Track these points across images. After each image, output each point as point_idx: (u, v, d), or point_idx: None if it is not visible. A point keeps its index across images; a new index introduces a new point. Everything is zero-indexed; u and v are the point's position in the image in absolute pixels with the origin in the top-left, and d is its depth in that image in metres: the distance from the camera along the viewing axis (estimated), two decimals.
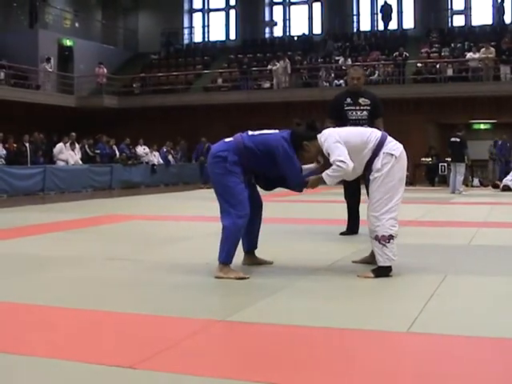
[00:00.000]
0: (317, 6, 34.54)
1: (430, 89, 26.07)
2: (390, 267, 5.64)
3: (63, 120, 26.89)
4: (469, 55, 27.02)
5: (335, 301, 4.85)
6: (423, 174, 25.01)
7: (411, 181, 24.18)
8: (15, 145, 21.57)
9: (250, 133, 5.85)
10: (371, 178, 5.61)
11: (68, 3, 33.50)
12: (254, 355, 3.51)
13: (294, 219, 10.96)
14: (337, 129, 5.87)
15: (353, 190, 8.59)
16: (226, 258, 5.69)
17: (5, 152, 20.83)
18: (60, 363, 3.35)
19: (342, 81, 27.91)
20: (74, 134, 22.75)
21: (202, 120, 27.63)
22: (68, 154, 22.11)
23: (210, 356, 3.50)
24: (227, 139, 5.88)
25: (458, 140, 19.19)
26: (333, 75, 28.56)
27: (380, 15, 32.88)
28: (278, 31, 35.33)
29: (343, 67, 28.97)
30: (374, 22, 33.72)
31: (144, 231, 9.46)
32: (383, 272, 5.62)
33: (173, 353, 3.54)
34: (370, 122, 8.28)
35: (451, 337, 3.83)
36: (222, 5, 36.46)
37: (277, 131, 5.87)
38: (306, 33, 34.21)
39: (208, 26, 36.79)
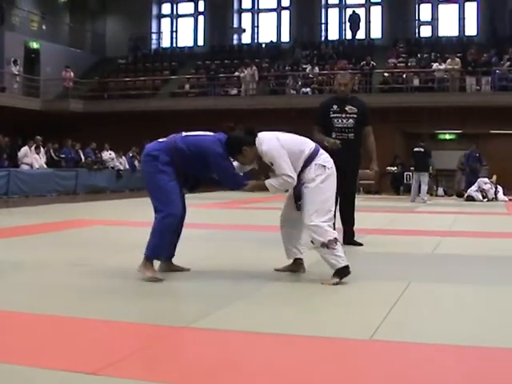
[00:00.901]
0: (285, 14, 34.64)
1: (397, 98, 26.25)
2: (347, 266, 5.65)
3: (28, 123, 26.64)
4: (435, 66, 27.25)
5: (298, 308, 4.85)
6: (389, 183, 25.18)
7: (377, 189, 24.32)
8: None
9: (184, 134, 5.90)
10: (305, 189, 5.67)
11: (35, 5, 33.23)
12: (216, 361, 3.49)
13: (263, 226, 10.91)
14: (276, 133, 5.86)
15: (346, 204, 8.27)
16: (151, 254, 5.76)
17: None
18: (21, 369, 3.30)
19: (308, 89, 28.03)
20: (39, 137, 22.56)
21: (169, 126, 27.25)
22: (33, 158, 21.92)
23: (174, 363, 3.48)
24: (161, 139, 5.94)
25: (422, 150, 19.50)
26: (300, 83, 28.64)
27: (348, 24, 33.05)
28: (246, 38, 35.36)
29: (310, 75, 29.08)
30: (341, 30, 33.88)
31: (108, 237, 9.39)
32: (344, 272, 5.64)
33: (136, 359, 3.52)
34: (356, 131, 8.15)
35: (414, 344, 3.84)
36: (191, 11, 36.41)
37: (211, 133, 5.90)
38: (274, 40, 34.31)
39: (176, 31, 36.72)
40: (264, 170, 5.88)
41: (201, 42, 35.77)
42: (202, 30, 35.85)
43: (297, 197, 5.82)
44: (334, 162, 8.14)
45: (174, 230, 5.84)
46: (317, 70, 29.18)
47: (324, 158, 5.78)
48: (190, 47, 35.87)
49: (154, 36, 36.69)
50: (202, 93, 30.20)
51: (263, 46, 34.42)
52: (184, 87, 30.95)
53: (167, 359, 3.52)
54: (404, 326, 4.32)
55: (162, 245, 5.80)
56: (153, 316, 4.46)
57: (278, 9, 34.89)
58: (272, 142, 5.66)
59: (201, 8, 35.99)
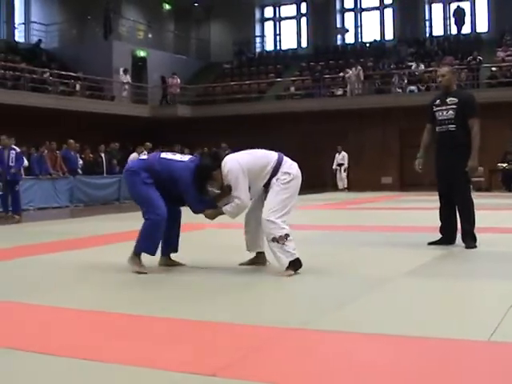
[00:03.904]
0: (388, 12, 34.35)
1: (506, 93, 25.60)
2: (298, 259, 6.05)
3: (138, 130, 27.22)
4: None
5: (412, 309, 4.79)
6: (499, 180, 24.60)
7: (487, 186, 23.81)
8: (91, 155, 21.96)
9: (163, 155, 6.55)
10: (270, 189, 6.17)
11: (141, 15, 34.00)
12: (334, 363, 3.49)
13: (370, 227, 10.84)
14: (238, 156, 6.29)
15: (448, 212, 8.07)
16: (138, 249, 6.46)
17: (82, 162, 21.22)
18: (140, 370, 3.37)
19: (414, 87, 27.66)
20: (148, 143, 22.99)
21: (275, 128, 27.54)
22: None
23: (291, 364, 3.48)
24: (143, 157, 6.71)
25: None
26: (406, 81, 28.30)
27: (453, 19, 32.48)
28: (349, 38, 35.23)
29: (416, 73, 28.72)
30: (446, 26, 33.34)
31: (218, 239, 9.49)
32: (297, 264, 6.05)
33: (253, 360, 3.54)
34: (458, 122, 7.91)
35: None
36: (294, 13, 36.53)
37: (186, 159, 6.47)
38: (378, 39, 34.04)
39: (280, 34, 36.90)
40: (226, 193, 6.27)
41: (304, 44, 35.83)
42: (305, 32, 35.92)
43: None
44: (437, 158, 8.11)
45: (161, 228, 6.40)
46: (422, 67, 28.79)
47: (288, 165, 6.24)
48: (293, 49, 35.97)
49: (257, 40, 36.97)
50: (307, 94, 30.17)
51: (367, 45, 34.21)
52: (289, 89, 30.97)
53: (284, 360, 3.53)
54: None
55: (149, 241, 6.41)
56: (266, 317, 4.48)
57: (381, 7, 34.61)
58: (232, 165, 6.15)
59: (303, 10, 36.06)
